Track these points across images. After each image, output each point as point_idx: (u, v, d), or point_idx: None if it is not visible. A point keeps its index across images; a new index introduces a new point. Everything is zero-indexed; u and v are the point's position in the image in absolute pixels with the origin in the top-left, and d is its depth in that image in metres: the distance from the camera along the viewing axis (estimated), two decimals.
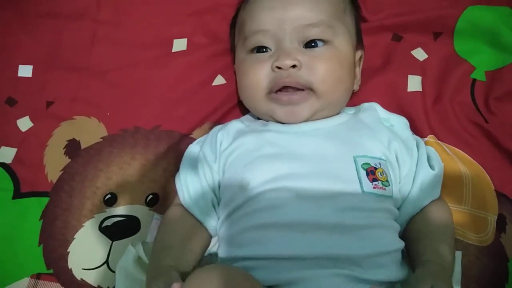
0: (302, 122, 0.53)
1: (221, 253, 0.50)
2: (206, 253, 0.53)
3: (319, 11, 0.53)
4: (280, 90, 0.52)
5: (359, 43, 0.60)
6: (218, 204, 0.53)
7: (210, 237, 0.53)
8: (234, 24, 0.63)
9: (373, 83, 0.63)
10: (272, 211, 0.46)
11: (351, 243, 0.44)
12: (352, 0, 0.60)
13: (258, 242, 0.46)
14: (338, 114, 0.56)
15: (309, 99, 0.52)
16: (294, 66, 0.51)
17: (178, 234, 0.50)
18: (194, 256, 0.49)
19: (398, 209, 0.51)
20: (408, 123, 0.57)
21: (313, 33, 0.52)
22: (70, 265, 0.57)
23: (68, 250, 0.57)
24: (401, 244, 0.48)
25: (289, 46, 0.52)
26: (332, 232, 0.45)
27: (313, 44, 0.53)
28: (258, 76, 0.53)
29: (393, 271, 0.46)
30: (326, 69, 0.52)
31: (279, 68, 0.51)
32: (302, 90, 0.52)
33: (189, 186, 0.53)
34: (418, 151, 0.53)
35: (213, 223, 0.52)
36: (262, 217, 0.46)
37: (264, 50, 0.54)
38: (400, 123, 0.56)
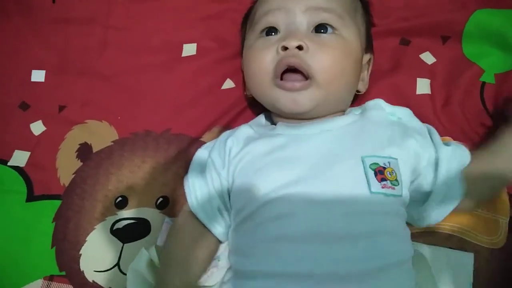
0: (306, 117, 0.53)
1: (232, 264, 0.50)
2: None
3: (331, 0, 0.53)
4: (284, 73, 0.51)
5: (368, 47, 0.59)
6: (227, 211, 0.53)
7: (218, 243, 0.53)
8: (245, 22, 0.63)
9: (382, 86, 0.63)
10: (283, 221, 0.46)
11: (363, 256, 0.44)
12: (364, 5, 0.60)
13: (270, 256, 0.45)
14: (344, 115, 0.56)
15: (309, 87, 0.51)
16: (300, 48, 0.50)
17: (184, 244, 0.51)
18: (201, 265, 0.50)
19: (429, 196, 0.50)
20: (412, 113, 0.56)
21: (323, 17, 0.52)
22: (82, 267, 0.57)
23: (80, 252, 0.58)
24: (411, 251, 0.48)
25: (298, 28, 0.52)
26: (343, 243, 0.44)
27: (322, 30, 0.52)
28: (264, 60, 0.52)
29: (407, 283, 0.46)
30: (330, 58, 0.51)
31: (285, 48, 0.50)
32: (304, 79, 0.51)
33: (197, 191, 0.53)
34: (431, 137, 0.52)
35: (220, 229, 0.52)
36: (274, 228, 0.46)
37: (273, 33, 0.54)
38: (406, 114, 0.55)
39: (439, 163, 0.50)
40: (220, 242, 0.53)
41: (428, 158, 0.50)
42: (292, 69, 0.51)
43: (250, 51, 0.56)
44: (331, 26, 0.52)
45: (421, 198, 0.51)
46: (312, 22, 0.52)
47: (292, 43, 0.50)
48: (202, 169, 0.55)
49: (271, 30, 0.54)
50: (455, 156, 0.50)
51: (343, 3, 0.55)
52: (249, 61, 0.55)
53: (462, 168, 0.49)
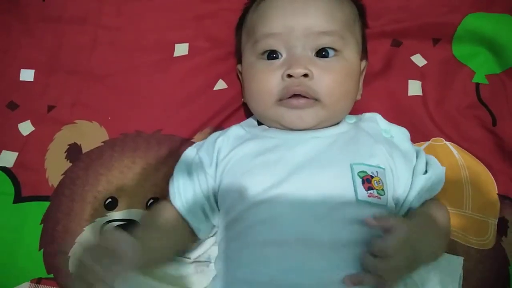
0: (306, 129, 0.53)
1: (219, 271, 0.50)
2: (205, 258, 0.54)
3: (332, 20, 0.53)
4: (289, 98, 0.52)
5: (363, 53, 0.60)
6: (212, 211, 0.53)
7: (193, 239, 0.53)
8: (241, 25, 0.62)
9: (374, 88, 0.63)
10: (270, 225, 0.46)
11: (345, 264, 0.44)
12: (361, 11, 0.60)
13: (256, 262, 0.45)
14: (338, 123, 0.56)
15: (314, 106, 0.52)
16: (306, 75, 0.50)
17: (163, 226, 0.51)
18: (169, 250, 0.51)
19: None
20: (409, 135, 0.57)
21: (325, 41, 0.52)
22: (71, 270, 0.56)
23: (69, 254, 0.57)
24: None
25: (301, 53, 0.52)
26: (327, 251, 0.44)
27: (324, 53, 0.52)
28: (268, 84, 0.52)
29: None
30: (335, 82, 0.52)
31: (290, 76, 0.51)
32: (309, 98, 0.52)
33: (181, 191, 0.53)
34: (416, 161, 0.53)
35: (202, 227, 0.52)
36: (260, 232, 0.46)
37: (275, 56, 0.53)
38: (400, 134, 0.56)
39: (411, 189, 0.51)
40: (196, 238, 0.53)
41: (405, 182, 0.51)
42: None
43: (252, 71, 0.55)
44: (333, 49, 0.53)
45: None
46: (314, 46, 0.52)
47: (298, 71, 0.50)
48: (189, 167, 0.55)
49: (272, 53, 0.53)
50: (427, 186, 0.51)
51: (343, 19, 0.54)
52: (251, 82, 0.56)
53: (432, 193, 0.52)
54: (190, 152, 0.57)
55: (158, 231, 0.50)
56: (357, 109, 0.60)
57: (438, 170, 0.53)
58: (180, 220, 0.52)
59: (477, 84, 0.62)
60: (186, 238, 0.53)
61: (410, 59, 0.65)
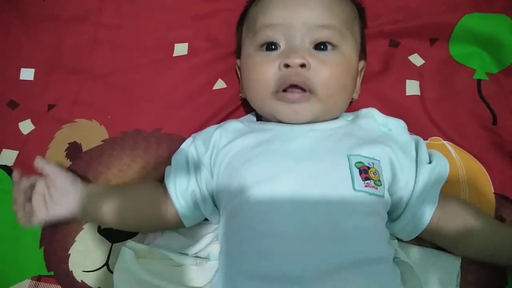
0: (302, 124, 0.53)
1: (221, 264, 0.51)
2: (204, 255, 0.54)
3: (332, 15, 0.54)
4: (285, 90, 0.52)
5: (362, 54, 0.60)
6: (202, 199, 0.53)
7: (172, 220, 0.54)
8: (242, 21, 0.63)
9: (372, 88, 0.63)
10: (269, 216, 0.46)
11: (344, 251, 0.44)
12: (360, 11, 0.61)
13: (256, 253, 0.46)
14: (336, 119, 0.57)
15: (310, 99, 0.52)
16: (303, 66, 0.51)
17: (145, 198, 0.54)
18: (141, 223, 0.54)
19: (403, 211, 0.51)
20: (406, 126, 0.57)
21: (324, 35, 0.53)
22: (70, 267, 0.57)
23: (68, 252, 0.58)
24: (392, 251, 0.49)
25: (299, 44, 0.52)
26: (326, 241, 0.45)
27: (322, 46, 0.53)
28: (265, 74, 0.53)
29: (389, 278, 0.47)
30: (332, 75, 0.52)
31: (287, 66, 0.51)
32: (305, 91, 0.52)
33: (176, 177, 0.53)
34: (417, 151, 0.53)
35: (188, 214, 0.53)
36: (260, 223, 0.47)
37: (273, 47, 0.54)
38: (398, 126, 0.56)
39: (417, 180, 0.51)
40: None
41: (407, 178, 0.51)
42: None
43: (250, 62, 0.56)
44: (332, 44, 0.53)
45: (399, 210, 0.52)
46: (312, 39, 0.53)
47: (295, 61, 0.50)
48: (185, 157, 0.55)
49: (271, 44, 0.54)
50: (433, 175, 0.51)
51: (343, 16, 0.55)
52: (249, 73, 0.56)
53: (439, 184, 0.51)
54: (187, 143, 0.58)
55: (129, 194, 0.54)
56: (354, 109, 0.60)
57: (442, 161, 0.53)
58: (167, 201, 0.53)
59: (479, 81, 0.62)
60: (164, 214, 0.54)
61: (408, 59, 0.65)
